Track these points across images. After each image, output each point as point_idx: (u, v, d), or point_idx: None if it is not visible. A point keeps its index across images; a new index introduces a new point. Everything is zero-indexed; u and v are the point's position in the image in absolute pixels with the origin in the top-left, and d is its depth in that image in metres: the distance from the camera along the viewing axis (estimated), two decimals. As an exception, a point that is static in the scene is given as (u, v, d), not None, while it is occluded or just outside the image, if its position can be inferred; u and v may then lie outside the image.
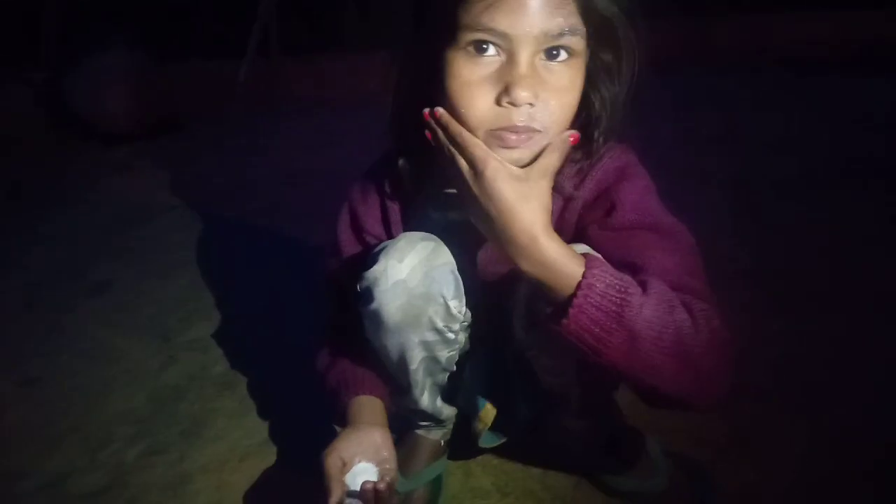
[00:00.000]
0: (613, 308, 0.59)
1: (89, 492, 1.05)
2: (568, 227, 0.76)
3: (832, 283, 1.31)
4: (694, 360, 0.61)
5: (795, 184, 1.69)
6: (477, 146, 0.64)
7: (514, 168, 0.65)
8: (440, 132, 0.66)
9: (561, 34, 0.64)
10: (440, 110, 0.66)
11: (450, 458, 1.01)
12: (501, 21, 0.62)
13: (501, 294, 0.78)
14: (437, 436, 0.98)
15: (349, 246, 0.89)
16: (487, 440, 0.90)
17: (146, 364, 1.33)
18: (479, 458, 1.02)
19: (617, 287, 0.60)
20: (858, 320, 1.21)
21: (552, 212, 0.66)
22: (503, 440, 0.89)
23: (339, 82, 2.87)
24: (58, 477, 1.08)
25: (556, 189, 0.71)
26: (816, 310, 1.25)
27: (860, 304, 1.25)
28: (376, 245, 0.80)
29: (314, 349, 0.95)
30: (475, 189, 0.64)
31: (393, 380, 0.87)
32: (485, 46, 0.64)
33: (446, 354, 0.82)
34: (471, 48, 0.65)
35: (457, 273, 0.77)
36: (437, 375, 0.86)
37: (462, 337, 0.82)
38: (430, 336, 0.78)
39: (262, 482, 1.03)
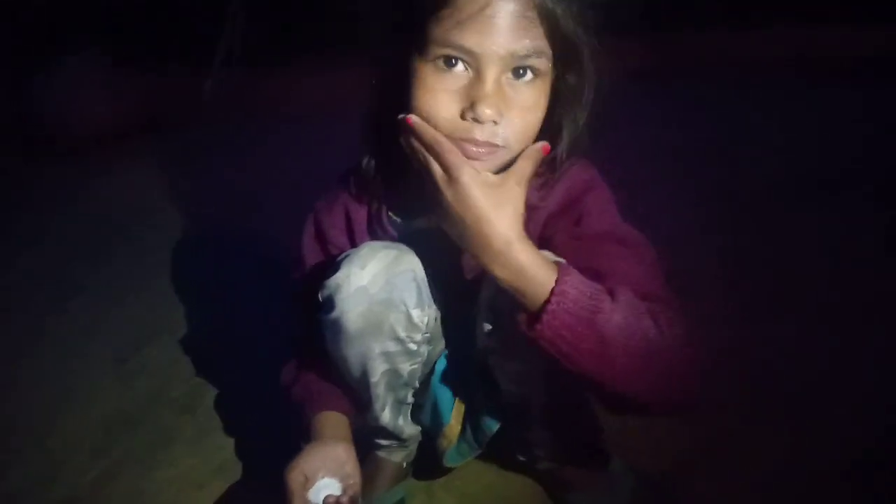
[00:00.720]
0: (585, 314, 0.61)
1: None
2: (530, 236, 0.74)
3: (806, 293, 1.32)
4: (659, 365, 0.63)
5: (784, 192, 1.70)
6: (452, 152, 0.64)
7: (489, 175, 0.65)
8: (414, 138, 0.66)
9: (527, 55, 0.65)
10: (414, 117, 0.66)
11: (413, 479, 0.99)
12: (470, 39, 0.64)
13: (465, 301, 0.78)
14: (399, 458, 0.96)
15: (313, 258, 0.89)
16: (452, 459, 0.89)
17: (104, 383, 1.29)
18: (442, 479, 1.00)
19: (588, 294, 0.62)
20: (833, 329, 1.21)
21: None
22: (468, 458, 0.89)
23: (309, 93, 2.85)
24: (11, 499, 1.04)
25: None
26: (788, 319, 1.25)
27: (834, 313, 1.26)
28: (339, 255, 0.79)
29: (281, 365, 0.94)
30: (449, 195, 0.64)
31: (355, 395, 0.86)
32: (454, 61, 0.66)
33: (408, 367, 0.81)
34: (440, 62, 0.66)
35: (420, 281, 0.77)
36: (398, 391, 0.85)
37: (424, 350, 0.81)
38: (392, 346, 0.78)
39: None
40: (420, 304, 0.77)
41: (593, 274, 0.66)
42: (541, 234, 0.76)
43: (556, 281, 0.61)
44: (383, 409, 0.85)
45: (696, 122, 2.21)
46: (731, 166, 1.89)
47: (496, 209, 0.63)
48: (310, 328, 0.86)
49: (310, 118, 2.51)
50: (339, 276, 0.75)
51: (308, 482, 0.77)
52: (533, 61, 0.66)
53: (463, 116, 0.66)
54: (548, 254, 0.67)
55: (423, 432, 0.94)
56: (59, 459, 1.12)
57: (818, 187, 1.72)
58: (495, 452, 0.97)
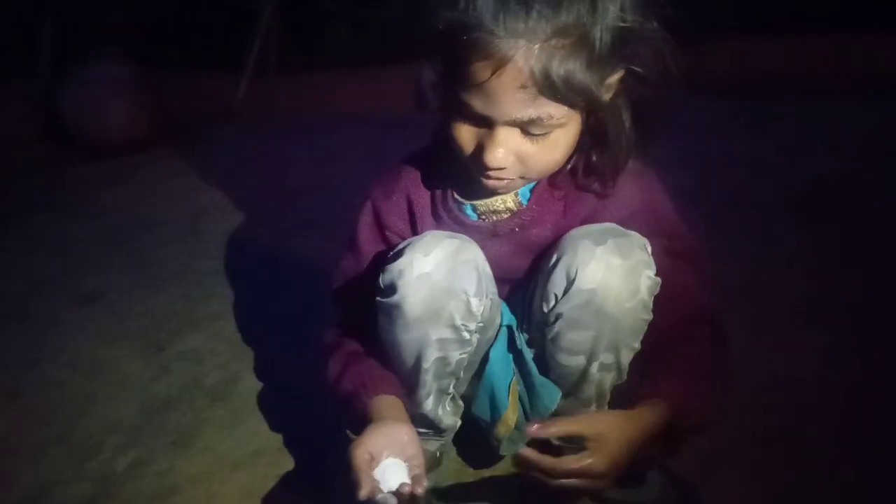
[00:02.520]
0: (706, 391, 0.79)
1: (76, 502, 1.04)
2: (576, 215, 0.82)
3: (815, 301, 1.34)
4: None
5: (782, 204, 1.73)
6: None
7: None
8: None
9: (532, 121, 0.69)
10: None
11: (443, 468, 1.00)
12: (477, 103, 0.70)
13: (518, 283, 0.84)
14: (433, 447, 0.97)
15: (370, 244, 0.90)
16: (508, 447, 0.91)
17: (136, 375, 1.32)
18: (471, 470, 1.02)
19: (701, 390, 0.78)
20: (840, 336, 1.23)
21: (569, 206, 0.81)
22: (523, 443, 0.88)
23: (332, 100, 2.90)
24: (42, 488, 1.07)
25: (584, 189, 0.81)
26: (798, 326, 1.27)
27: (842, 321, 1.27)
28: (399, 242, 0.82)
29: (320, 359, 0.93)
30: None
31: (402, 382, 0.87)
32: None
33: (457, 356, 0.83)
34: (465, 109, 0.72)
35: (481, 271, 0.79)
36: (443, 380, 0.86)
37: (475, 339, 0.83)
38: (447, 333, 0.79)
39: (252, 493, 1.02)
40: (479, 294, 0.78)
41: (666, 286, 0.77)
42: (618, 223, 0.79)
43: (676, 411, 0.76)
44: (427, 397, 0.86)
45: (727, 131, 2.24)
46: (731, 177, 1.92)
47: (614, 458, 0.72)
48: (358, 315, 0.88)
49: (340, 125, 2.56)
50: (402, 262, 0.77)
51: (373, 461, 0.77)
52: (544, 123, 0.69)
53: (478, 154, 0.73)
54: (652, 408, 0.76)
55: (470, 424, 0.95)
56: (96, 443, 1.15)
57: (842, 196, 1.75)
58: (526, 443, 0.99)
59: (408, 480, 0.75)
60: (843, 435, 1.03)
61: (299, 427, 1.13)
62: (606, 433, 0.72)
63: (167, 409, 1.22)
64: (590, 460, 0.71)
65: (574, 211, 0.82)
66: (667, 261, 0.78)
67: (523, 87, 0.66)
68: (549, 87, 0.66)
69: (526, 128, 0.70)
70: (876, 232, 1.57)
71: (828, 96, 2.44)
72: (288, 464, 1.07)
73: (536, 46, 0.65)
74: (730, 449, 1.01)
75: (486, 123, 0.71)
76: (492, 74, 0.66)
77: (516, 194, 0.83)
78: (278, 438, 1.12)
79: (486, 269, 0.81)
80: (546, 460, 0.72)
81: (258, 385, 1.25)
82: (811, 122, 2.23)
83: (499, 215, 0.84)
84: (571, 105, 0.69)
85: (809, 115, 2.28)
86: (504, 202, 0.83)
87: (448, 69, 0.71)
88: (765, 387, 1.13)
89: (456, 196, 0.85)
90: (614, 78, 0.71)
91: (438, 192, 0.86)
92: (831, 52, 2.80)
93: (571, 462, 0.71)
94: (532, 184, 0.83)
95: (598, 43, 0.66)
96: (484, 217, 0.84)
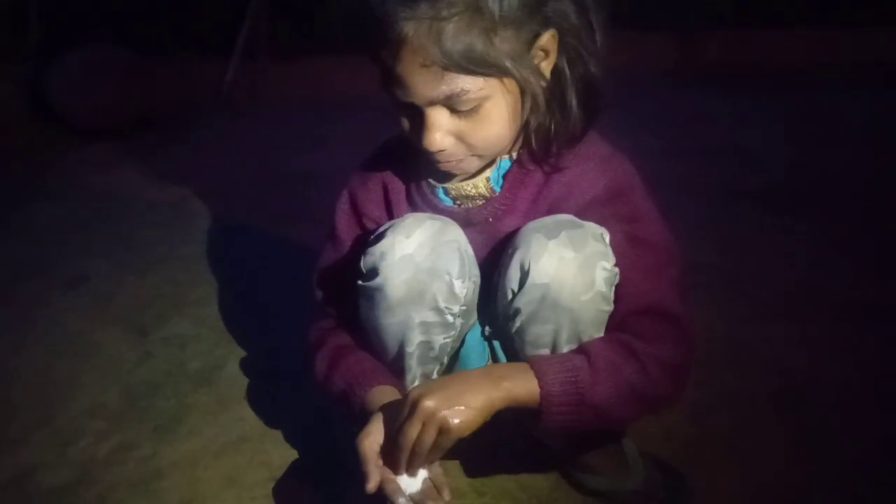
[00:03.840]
0: (574, 399, 0.71)
1: (57, 487, 1.03)
2: (545, 201, 0.80)
3: (805, 291, 1.34)
4: (651, 396, 0.75)
5: (771, 195, 1.73)
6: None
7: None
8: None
9: (450, 96, 0.69)
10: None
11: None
12: (395, 89, 0.71)
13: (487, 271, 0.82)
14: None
15: (348, 233, 0.89)
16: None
17: (120, 359, 1.31)
18: (456, 461, 1.01)
19: (571, 379, 0.71)
20: (831, 326, 1.24)
21: (529, 189, 0.79)
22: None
23: (323, 85, 2.87)
24: (25, 471, 1.06)
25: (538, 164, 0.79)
26: (788, 316, 1.27)
27: (832, 311, 1.28)
28: (377, 228, 0.81)
29: (306, 357, 0.91)
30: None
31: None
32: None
33: (441, 340, 0.82)
34: (393, 98, 0.72)
35: (463, 252, 0.78)
36: (427, 365, 0.85)
37: (458, 322, 0.82)
38: (431, 316, 0.79)
39: (236, 479, 1.02)
40: (462, 275, 0.78)
41: (627, 272, 0.74)
42: (582, 213, 0.78)
43: (539, 385, 0.71)
44: (413, 383, 0.86)
45: (719, 121, 2.24)
46: (721, 167, 1.92)
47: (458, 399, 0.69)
48: (339, 306, 0.87)
49: (330, 111, 2.54)
50: (384, 244, 0.76)
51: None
52: (462, 98, 0.69)
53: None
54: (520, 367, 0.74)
55: None
56: (78, 427, 1.14)
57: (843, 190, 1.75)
58: (511, 434, 0.99)
59: (426, 473, 0.74)
60: (833, 424, 1.03)
61: (284, 414, 1.13)
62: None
63: (151, 395, 1.21)
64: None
65: (542, 196, 0.81)
66: (629, 249, 0.76)
67: (424, 65, 0.66)
68: (451, 63, 0.66)
69: (450, 105, 0.70)
70: (868, 222, 1.58)
71: (819, 87, 2.45)
72: (272, 450, 1.06)
73: (425, 24, 0.64)
74: (717, 436, 1.02)
75: (414, 109, 0.71)
76: (394, 60, 0.67)
77: (488, 180, 0.81)
78: (263, 425, 1.12)
79: (469, 250, 0.80)
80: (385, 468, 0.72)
81: (243, 371, 1.25)
82: (802, 112, 2.24)
83: (472, 202, 0.82)
84: (485, 76, 0.68)
85: (801, 106, 2.29)
86: (475, 187, 0.81)
87: (371, 62, 0.71)
88: (755, 375, 1.13)
89: (430, 180, 0.84)
90: (544, 40, 0.70)
91: (413, 178, 0.85)
92: (823, 43, 2.81)
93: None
94: (504, 169, 0.82)
95: (497, 9, 0.65)
96: (459, 202, 0.83)
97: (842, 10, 2.81)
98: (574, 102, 0.75)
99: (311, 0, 3.03)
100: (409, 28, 0.65)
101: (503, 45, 0.67)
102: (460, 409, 0.68)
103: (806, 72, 2.59)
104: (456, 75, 0.67)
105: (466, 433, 0.69)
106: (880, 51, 2.66)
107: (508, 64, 0.68)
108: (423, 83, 0.68)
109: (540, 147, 0.78)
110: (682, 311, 0.78)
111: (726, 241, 1.51)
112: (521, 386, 0.71)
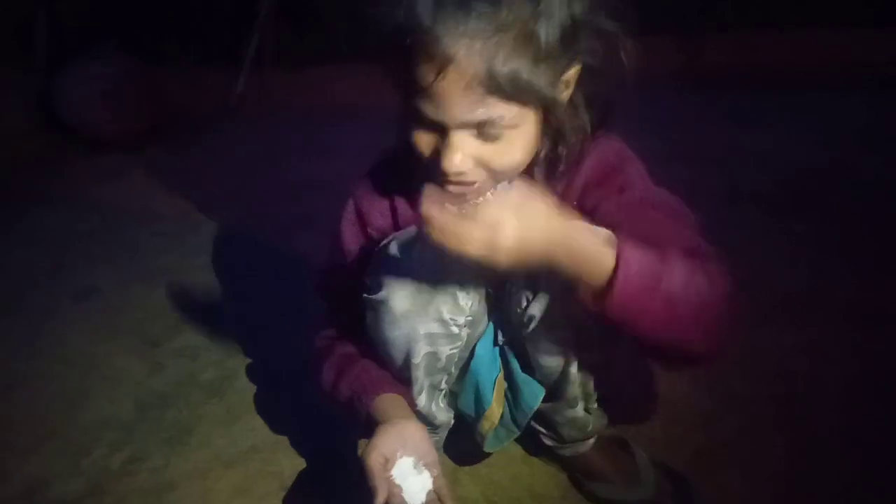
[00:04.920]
0: (650, 280, 0.63)
1: (69, 498, 1.04)
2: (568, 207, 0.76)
3: (809, 294, 1.34)
4: (712, 314, 0.67)
5: (775, 197, 1.73)
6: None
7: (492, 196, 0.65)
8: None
9: (483, 122, 0.66)
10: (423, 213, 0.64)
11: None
12: (427, 107, 0.67)
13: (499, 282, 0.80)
14: (428, 443, 0.97)
15: (353, 242, 0.89)
16: (492, 443, 0.91)
17: (131, 370, 1.31)
18: (467, 467, 1.02)
19: (650, 260, 0.64)
20: (836, 330, 1.23)
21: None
22: (506, 443, 0.90)
23: (330, 94, 2.88)
24: (37, 482, 1.07)
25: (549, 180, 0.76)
26: (793, 321, 1.27)
27: (836, 315, 1.27)
28: (382, 239, 0.81)
29: (313, 366, 0.92)
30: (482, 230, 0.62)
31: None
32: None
33: (447, 351, 0.82)
34: (417, 115, 0.68)
35: (468, 264, 0.77)
36: (435, 376, 0.85)
37: (464, 333, 0.82)
38: (436, 328, 0.79)
39: (247, 490, 1.02)
40: (465, 287, 0.78)
41: (642, 240, 0.66)
42: (579, 204, 0.77)
43: (618, 254, 0.62)
44: (420, 393, 0.86)
45: (721, 124, 2.24)
46: (727, 169, 1.91)
47: (524, 209, 0.62)
48: (345, 316, 0.87)
49: (339, 119, 2.55)
50: (389, 257, 0.77)
51: (388, 462, 0.76)
52: (494, 124, 0.66)
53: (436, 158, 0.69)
54: (597, 229, 0.67)
55: (458, 419, 0.95)
56: (91, 439, 1.15)
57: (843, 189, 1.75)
58: (523, 441, 1.00)
59: (430, 486, 0.74)
60: (839, 429, 1.03)
61: (295, 424, 1.13)
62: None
63: (162, 406, 1.21)
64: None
65: None
66: (633, 214, 0.73)
67: (469, 87, 0.64)
68: (496, 87, 0.64)
69: (479, 130, 0.68)
70: (872, 224, 1.57)
71: (823, 89, 2.44)
72: (283, 460, 1.07)
73: (478, 45, 0.62)
74: (726, 444, 1.01)
75: (439, 128, 0.68)
76: (436, 77, 0.63)
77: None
78: (274, 435, 1.12)
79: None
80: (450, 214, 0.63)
81: (254, 382, 1.25)
82: (807, 114, 2.24)
83: None
84: (523, 104, 0.67)
85: (805, 108, 2.28)
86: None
87: (397, 75, 0.68)
88: (761, 380, 1.13)
89: None
90: (570, 74, 0.70)
91: (419, 189, 0.85)
92: (827, 44, 2.80)
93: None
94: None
95: (543, 39, 0.64)
96: None
97: (843, 11, 2.81)
98: (581, 134, 0.75)
99: (317, 9, 3.05)
100: (459, 46, 0.62)
101: (544, 75, 0.66)
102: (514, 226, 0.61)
103: (808, 74, 2.58)
104: (497, 101, 0.65)
105: (505, 258, 0.62)
106: (882, 52, 2.65)
107: (546, 94, 0.67)
108: (460, 105, 0.65)
109: (546, 173, 0.77)
110: (712, 249, 0.72)
111: (730, 245, 1.51)
112: (595, 244, 0.63)
